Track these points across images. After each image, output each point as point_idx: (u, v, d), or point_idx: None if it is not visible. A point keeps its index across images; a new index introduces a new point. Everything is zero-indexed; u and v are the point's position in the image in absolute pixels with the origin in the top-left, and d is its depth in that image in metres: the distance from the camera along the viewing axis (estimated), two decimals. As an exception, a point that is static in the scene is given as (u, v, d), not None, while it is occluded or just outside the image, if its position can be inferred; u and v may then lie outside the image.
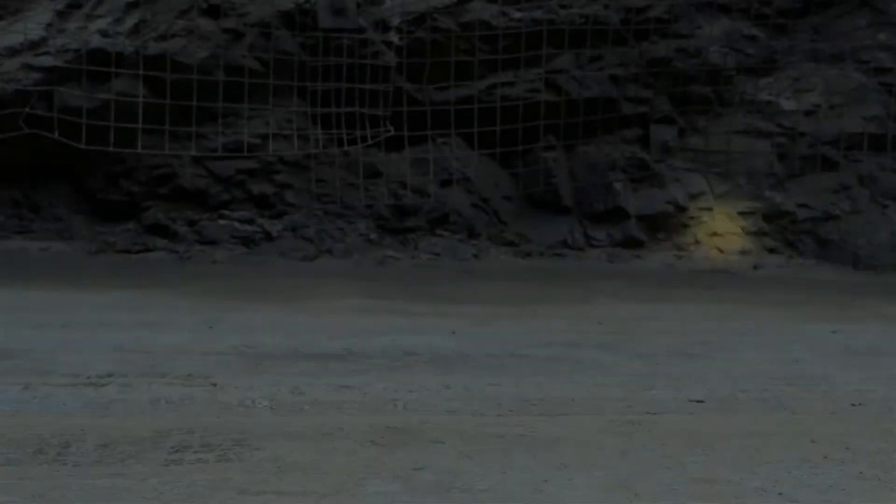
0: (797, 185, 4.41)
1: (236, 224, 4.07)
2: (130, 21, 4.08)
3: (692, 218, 4.37)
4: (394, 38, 4.28)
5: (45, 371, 1.55)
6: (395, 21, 4.30)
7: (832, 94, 4.42)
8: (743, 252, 4.24)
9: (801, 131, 4.43)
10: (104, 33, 4.03)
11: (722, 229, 4.32)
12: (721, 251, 4.26)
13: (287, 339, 1.92)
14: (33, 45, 3.97)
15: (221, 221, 4.07)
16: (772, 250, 4.29)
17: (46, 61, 3.96)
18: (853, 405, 1.51)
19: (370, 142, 4.16)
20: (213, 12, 4.15)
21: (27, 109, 3.81)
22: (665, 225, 4.36)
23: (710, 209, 4.38)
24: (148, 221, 4.09)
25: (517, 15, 4.34)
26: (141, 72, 3.99)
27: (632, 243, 4.29)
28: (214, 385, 1.49)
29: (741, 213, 4.37)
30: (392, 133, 4.17)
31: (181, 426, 1.27)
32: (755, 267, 4.08)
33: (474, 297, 2.76)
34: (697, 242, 4.33)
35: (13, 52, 3.97)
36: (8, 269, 3.21)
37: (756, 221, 4.36)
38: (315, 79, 4.14)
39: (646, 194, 4.35)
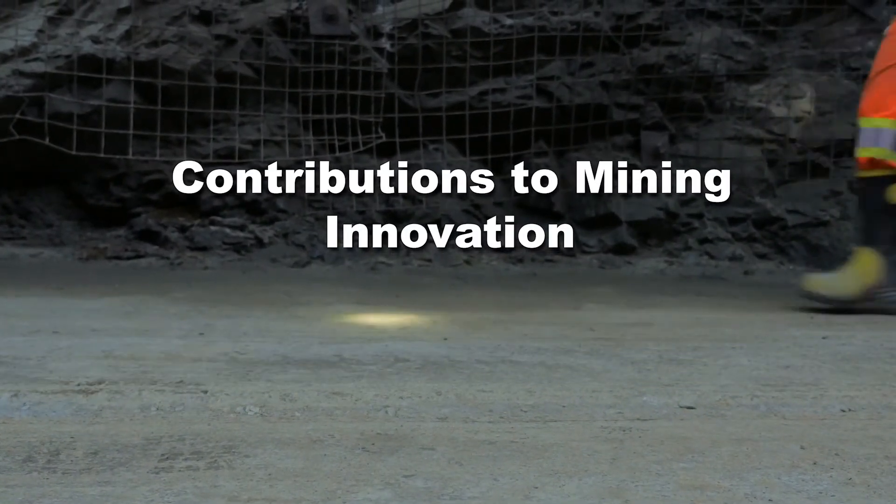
0: (787, 192, 4.42)
1: (227, 230, 4.07)
2: (122, 27, 4.07)
3: (683, 224, 4.39)
4: (385, 44, 4.29)
5: (35, 378, 1.54)
6: (387, 28, 4.30)
7: (822, 101, 4.44)
8: (734, 258, 4.25)
9: (791, 137, 4.45)
10: (95, 39, 4.03)
11: (713, 235, 4.33)
12: (712, 257, 4.28)
13: (278, 346, 1.92)
14: (24, 51, 3.96)
15: (213, 227, 4.07)
16: (762, 256, 4.31)
17: (37, 67, 3.96)
18: (843, 411, 1.51)
19: (362, 148, 4.17)
20: (204, 19, 4.15)
21: (18, 115, 3.81)
22: (656, 231, 4.37)
23: (700, 215, 4.39)
24: (139, 227, 4.09)
25: (508, 22, 4.35)
26: (132, 78, 3.98)
27: (623, 249, 4.30)
28: (205, 392, 1.48)
29: (732, 219, 4.39)
30: (384, 139, 4.18)
31: (171, 433, 1.27)
32: (746, 273, 4.09)
33: (466, 303, 2.76)
34: (689, 248, 4.34)
35: (4, 58, 3.96)
36: (-2, 276, 3.19)
37: (747, 227, 4.37)
38: (307, 85, 4.15)
39: (637, 200, 4.36)
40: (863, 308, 2.87)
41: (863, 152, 2.82)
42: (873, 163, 2.80)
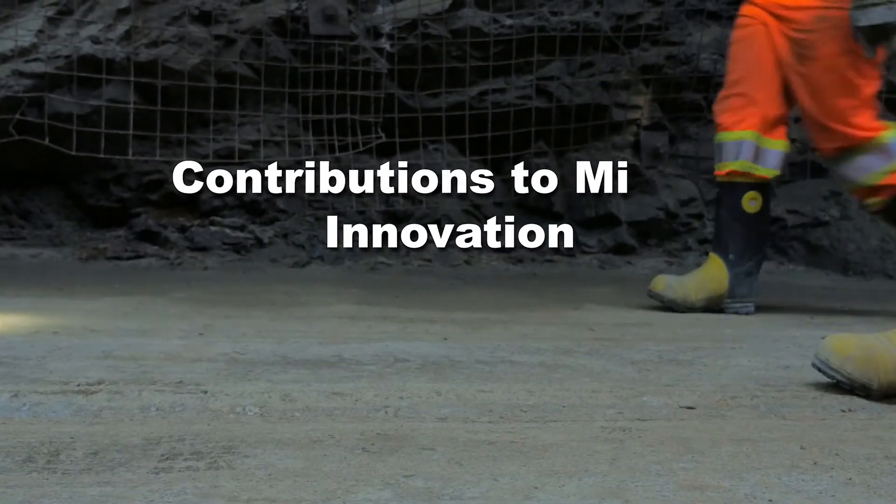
0: (787, 192, 4.42)
1: (227, 230, 4.07)
2: (122, 27, 4.07)
3: (683, 224, 4.39)
4: (385, 44, 4.29)
5: (35, 378, 1.54)
6: (387, 28, 4.31)
7: (822, 101, 4.43)
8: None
9: (790, 138, 4.45)
10: (95, 40, 4.03)
11: (712, 235, 4.33)
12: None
13: (278, 346, 1.92)
14: (24, 52, 3.96)
15: (213, 228, 4.07)
16: (762, 256, 4.31)
17: (37, 67, 3.96)
18: (843, 411, 1.51)
19: (362, 148, 4.17)
20: (204, 19, 4.15)
21: (18, 116, 3.81)
22: (656, 231, 4.37)
23: (700, 216, 4.39)
24: (139, 228, 4.09)
25: (508, 22, 4.35)
26: (132, 78, 3.98)
27: (623, 249, 4.30)
28: (205, 392, 1.48)
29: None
30: (384, 139, 4.18)
31: (171, 434, 1.27)
32: (746, 273, 4.09)
33: (465, 304, 2.76)
34: (688, 248, 4.34)
35: (4, 58, 3.96)
36: (-2, 276, 3.19)
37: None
38: (307, 85, 4.15)
39: (637, 200, 4.36)
40: (861, 308, 2.87)
41: (724, 167, 2.73)
42: (733, 174, 2.72)
